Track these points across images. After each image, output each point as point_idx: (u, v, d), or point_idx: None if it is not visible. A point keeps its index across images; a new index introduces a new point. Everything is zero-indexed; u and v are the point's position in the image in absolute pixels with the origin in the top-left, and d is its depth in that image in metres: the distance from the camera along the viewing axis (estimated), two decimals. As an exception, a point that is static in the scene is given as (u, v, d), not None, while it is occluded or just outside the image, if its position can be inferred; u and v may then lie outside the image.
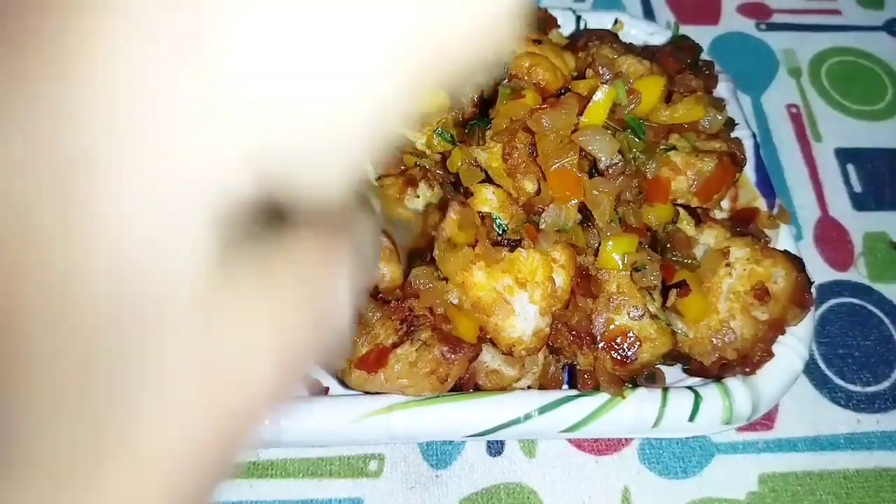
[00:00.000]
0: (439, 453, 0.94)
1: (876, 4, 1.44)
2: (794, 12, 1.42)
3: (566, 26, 1.14)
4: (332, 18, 0.30)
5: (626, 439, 0.96)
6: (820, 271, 1.10)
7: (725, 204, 1.04)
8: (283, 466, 0.92)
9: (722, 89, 1.10)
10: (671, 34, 1.17)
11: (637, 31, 1.17)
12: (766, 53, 1.36)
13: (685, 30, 1.19)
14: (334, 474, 0.92)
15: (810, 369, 1.03)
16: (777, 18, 1.41)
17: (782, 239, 0.99)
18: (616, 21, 1.16)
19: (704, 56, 1.11)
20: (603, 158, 0.86)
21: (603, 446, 0.95)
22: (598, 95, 0.87)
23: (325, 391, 0.95)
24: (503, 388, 0.89)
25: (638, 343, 0.87)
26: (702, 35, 1.14)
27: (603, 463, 0.94)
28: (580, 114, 0.87)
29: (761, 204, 1.02)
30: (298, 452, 0.93)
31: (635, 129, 0.91)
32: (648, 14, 1.38)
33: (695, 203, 0.96)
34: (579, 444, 0.95)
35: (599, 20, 1.17)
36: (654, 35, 1.17)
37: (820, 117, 1.28)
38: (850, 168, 1.22)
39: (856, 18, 1.42)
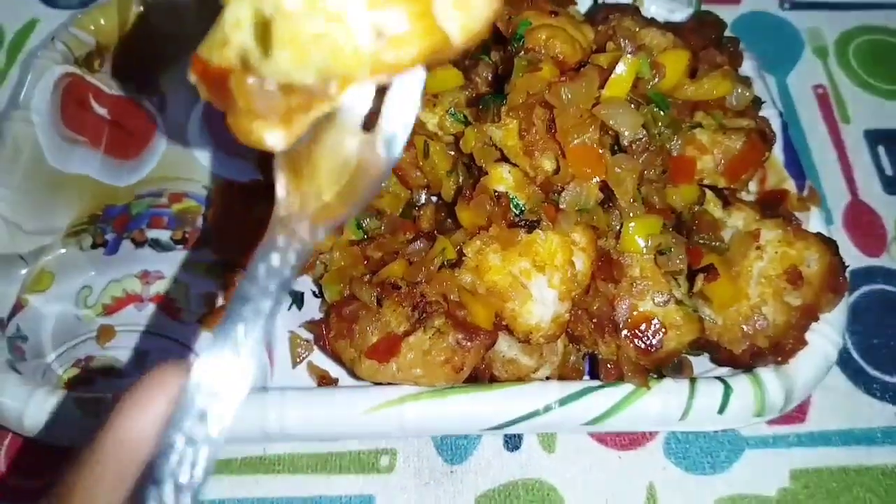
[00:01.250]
0: (454, 447, 0.89)
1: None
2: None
3: (583, 2, 1.10)
4: None
5: (650, 433, 0.91)
6: (851, 257, 1.05)
7: (753, 186, 0.99)
8: (290, 461, 0.88)
9: (747, 68, 1.05)
10: (693, 11, 1.12)
11: (657, 8, 1.11)
12: (791, 33, 1.31)
13: (706, 7, 1.14)
14: (344, 470, 0.88)
15: (843, 359, 0.98)
16: (801, -3, 1.36)
17: (813, 222, 0.94)
18: (636, -4, 1.12)
19: (727, 34, 1.06)
20: (626, 133, 0.82)
21: (626, 440, 0.91)
22: (621, 67, 0.83)
23: (334, 382, 0.91)
24: (520, 379, 0.85)
25: (663, 330, 0.82)
26: (723, 14, 1.09)
27: (626, 458, 0.90)
28: (601, 87, 0.83)
29: (790, 186, 0.97)
30: (306, 447, 0.89)
31: (659, 104, 0.86)
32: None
33: (722, 183, 0.91)
34: (601, 439, 0.90)
35: (618, -6, 1.12)
36: (675, 12, 1.12)
37: (848, 98, 1.23)
38: (881, 150, 1.17)
39: (882, -4, 1.37)
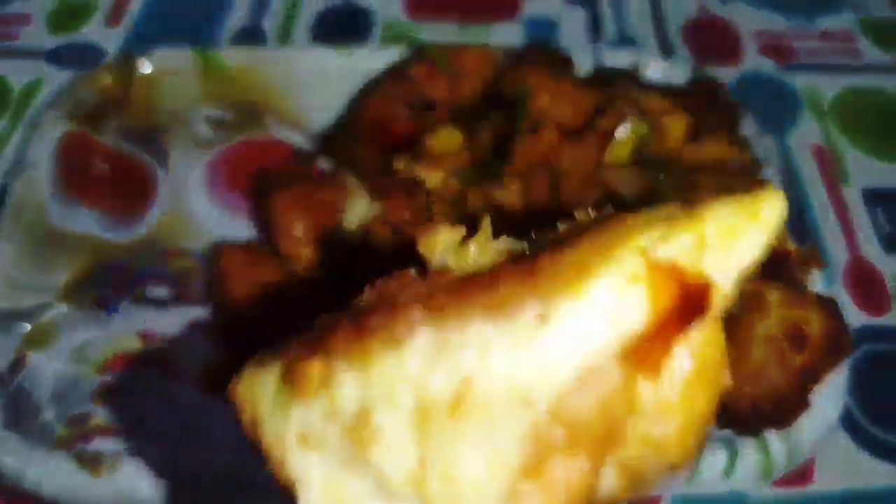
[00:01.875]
0: None
1: (894, 46, 1.41)
2: (815, 53, 1.39)
3: (583, 64, 1.11)
4: None
5: (656, 496, 0.90)
6: (853, 316, 1.05)
7: (753, 246, 0.99)
8: None
9: (746, 129, 1.06)
10: (692, 73, 1.14)
11: (657, 70, 1.13)
12: (790, 93, 1.33)
13: (705, 70, 1.16)
14: None
15: (847, 420, 0.97)
16: (798, 59, 1.38)
17: (815, 282, 0.95)
18: (635, 60, 1.13)
19: (726, 96, 1.08)
20: (628, 196, 0.82)
21: (633, 503, 0.89)
22: (622, 132, 0.84)
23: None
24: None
25: (668, 392, 0.82)
26: (722, 74, 1.12)
27: (632, 521, 0.89)
28: (603, 151, 0.84)
29: (791, 245, 0.97)
30: None
31: (659, 167, 0.87)
32: (666, 53, 1.36)
33: (723, 245, 0.92)
34: (605, 501, 0.89)
35: (617, 59, 1.15)
36: (675, 74, 1.13)
37: (846, 158, 1.24)
38: (879, 210, 1.18)
39: (877, 59, 1.39)
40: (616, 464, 0.34)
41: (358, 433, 0.33)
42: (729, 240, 0.34)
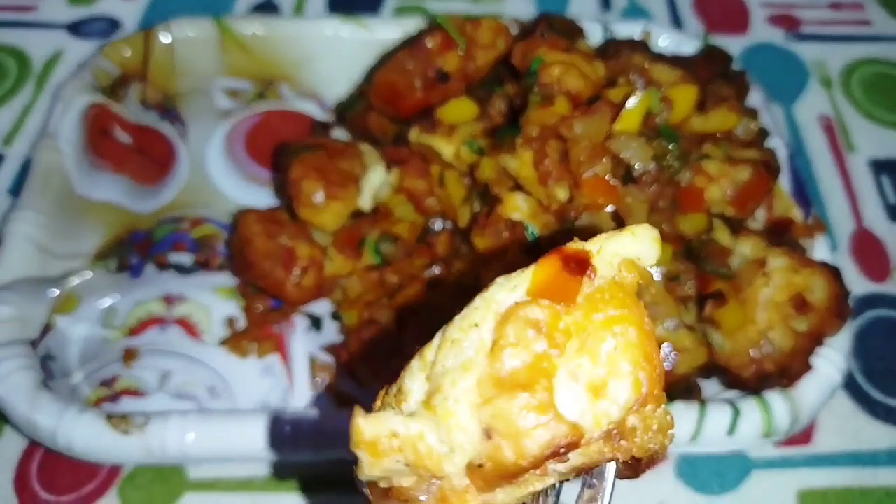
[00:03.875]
0: (469, 468, 0.92)
1: (906, 14, 1.42)
2: (823, 23, 1.40)
3: (593, 36, 1.13)
4: None
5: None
6: (856, 283, 1.07)
7: (760, 214, 1.01)
8: (312, 479, 0.91)
9: (753, 99, 1.08)
10: (701, 44, 1.15)
11: (666, 41, 1.15)
12: (797, 64, 1.34)
13: (713, 39, 1.17)
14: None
15: (848, 383, 1.00)
16: (806, 29, 1.39)
17: (818, 249, 0.97)
18: (645, 30, 1.15)
19: (735, 66, 1.09)
20: (637, 165, 0.84)
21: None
22: (632, 102, 0.86)
23: (354, 404, 0.94)
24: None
25: (674, 355, 0.85)
26: (731, 45, 1.13)
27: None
28: (613, 121, 0.86)
29: (796, 214, 1.00)
30: (328, 465, 0.91)
31: (669, 136, 0.89)
32: (676, 24, 1.37)
33: (729, 213, 0.94)
34: (613, 459, 0.93)
35: (627, 30, 1.16)
36: (684, 45, 1.15)
37: (853, 128, 1.26)
38: (885, 179, 1.20)
39: (886, 28, 1.40)
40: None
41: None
42: (605, 241, 0.49)
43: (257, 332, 0.99)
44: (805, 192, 1.02)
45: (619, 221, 0.86)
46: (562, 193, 0.87)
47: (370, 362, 0.89)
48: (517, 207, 0.88)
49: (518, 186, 0.90)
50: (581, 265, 0.47)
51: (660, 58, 1.00)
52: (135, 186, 1.11)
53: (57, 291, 0.98)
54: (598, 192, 0.85)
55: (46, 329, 0.95)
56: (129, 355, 0.98)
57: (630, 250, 0.49)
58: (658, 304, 0.86)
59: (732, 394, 0.91)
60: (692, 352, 0.86)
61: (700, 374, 0.89)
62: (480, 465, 0.45)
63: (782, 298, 0.88)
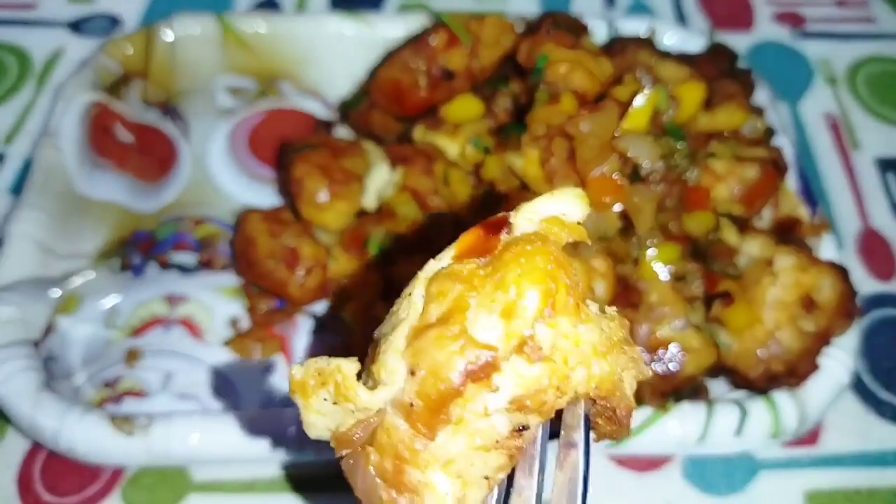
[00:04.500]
0: (475, 469, 0.91)
1: (910, 12, 1.41)
2: (828, 21, 1.39)
3: (598, 34, 1.12)
4: None
5: (668, 455, 0.93)
6: (863, 282, 1.07)
7: (766, 213, 1.01)
8: (316, 481, 0.90)
9: (760, 97, 1.08)
10: (706, 41, 1.14)
11: (672, 38, 1.14)
12: (802, 62, 1.33)
13: (718, 37, 1.17)
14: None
15: (856, 383, 0.99)
16: (812, 27, 1.38)
17: (825, 249, 0.97)
18: (650, 28, 1.14)
19: (740, 63, 1.09)
20: (645, 164, 0.84)
21: (644, 462, 0.92)
22: (639, 100, 0.85)
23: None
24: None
25: (681, 355, 0.85)
26: (736, 42, 1.12)
27: (645, 479, 0.91)
28: (620, 119, 0.85)
29: (803, 213, 0.99)
30: (332, 466, 0.91)
31: (676, 135, 0.88)
32: (681, 21, 1.36)
33: (736, 211, 0.93)
34: (620, 460, 0.92)
35: (632, 27, 1.15)
36: (689, 42, 1.14)
37: (858, 126, 1.25)
38: (891, 177, 1.19)
39: (891, 26, 1.39)
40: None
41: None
42: (524, 205, 0.52)
43: (261, 333, 0.98)
44: (811, 190, 1.02)
45: (627, 221, 0.85)
46: (568, 192, 0.86)
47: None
48: (523, 207, 0.88)
49: (524, 185, 0.90)
50: (499, 227, 0.51)
51: (666, 55, 0.99)
52: (137, 185, 1.11)
53: (59, 292, 0.97)
54: (605, 191, 0.84)
55: (49, 330, 0.95)
56: (132, 356, 0.97)
57: (550, 209, 0.52)
58: (665, 305, 0.85)
59: (740, 394, 0.91)
60: (700, 352, 0.85)
61: (707, 374, 0.89)
62: (411, 405, 0.48)
63: (790, 298, 0.87)
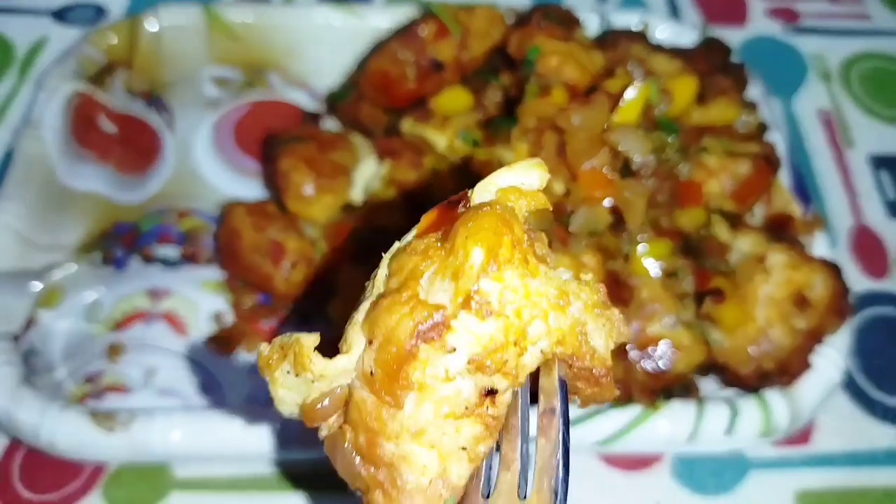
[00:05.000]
0: (462, 467, 0.90)
1: (905, 9, 1.41)
2: (822, 16, 1.38)
3: (590, 26, 1.11)
4: None
5: (658, 454, 0.92)
6: (855, 280, 1.06)
7: (758, 209, 1.00)
8: (300, 479, 0.89)
9: (753, 92, 1.06)
10: (700, 35, 1.13)
11: (664, 32, 1.13)
12: (796, 57, 1.32)
13: (712, 31, 1.16)
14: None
15: (847, 381, 0.99)
16: (805, 22, 1.37)
17: (817, 245, 0.96)
18: (643, 21, 1.13)
19: (733, 58, 1.08)
20: (636, 158, 0.83)
21: (634, 461, 0.91)
22: (631, 94, 0.84)
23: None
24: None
25: (672, 352, 0.83)
26: (729, 37, 1.11)
27: (635, 478, 0.90)
28: (611, 112, 0.84)
29: (795, 209, 0.98)
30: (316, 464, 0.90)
31: (668, 129, 0.87)
32: (674, 14, 1.35)
33: (728, 207, 0.92)
34: (609, 460, 0.91)
35: (624, 20, 1.14)
36: (682, 36, 1.13)
37: (852, 123, 1.24)
38: (884, 175, 1.18)
39: (885, 23, 1.38)
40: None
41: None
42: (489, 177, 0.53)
43: (245, 328, 0.96)
44: (804, 186, 1.01)
45: (618, 215, 0.84)
46: (558, 187, 0.85)
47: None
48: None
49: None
50: (458, 201, 0.53)
51: (659, 49, 0.98)
52: (120, 177, 1.09)
53: (40, 285, 0.96)
54: (595, 185, 0.83)
55: (29, 323, 0.93)
56: (114, 351, 0.95)
57: (509, 180, 0.53)
58: (656, 301, 0.84)
59: (731, 392, 0.90)
60: (690, 349, 0.84)
61: (698, 371, 0.88)
62: (372, 373, 0.50)
63: (782, 295, 0.86)
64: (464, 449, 0.50)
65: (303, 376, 0.51)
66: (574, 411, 0.81)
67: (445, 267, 0.50)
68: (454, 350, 0.49)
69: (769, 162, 0.92)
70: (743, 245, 0.90)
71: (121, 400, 0.92)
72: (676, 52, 0.99)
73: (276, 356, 0.53)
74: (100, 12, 1.29)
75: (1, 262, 0.92)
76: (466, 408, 0.50)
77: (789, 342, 0.86)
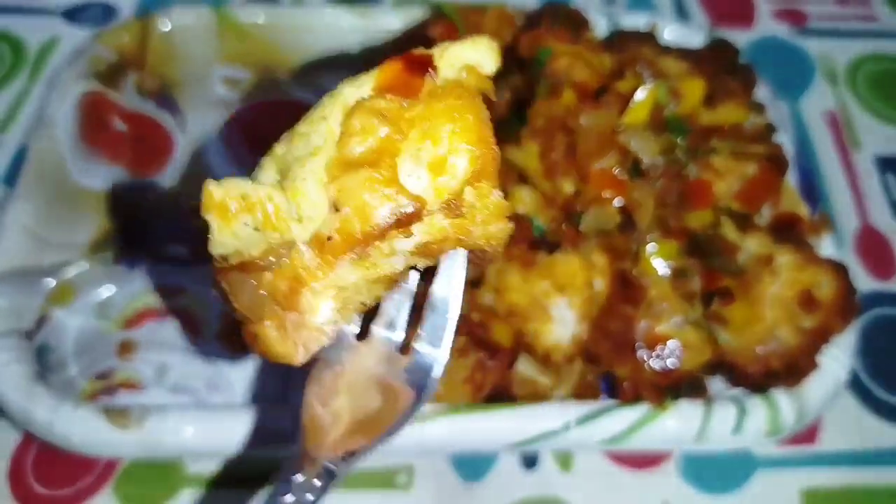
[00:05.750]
0: (471, 465, 0.91)
1: (912, 10, 1.41)
2: (829, 18, 1.39)
3: (599, 28, 1.12)
4: None
5: (665, 452, 0.92)
6: (862, 281, 1.07)
7: (766, 210, 1.00)
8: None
9: (760, 93, 1.07)
10: (707, 37, 1.14)
11: (673, 34, 1.14)
12: (803, 58, 1.33)
13: (719, 33, 1.16)
14: (362, 486, 0.89)
15: (854, 381, 0.99)
16: (813, 24, 1.38)
17: (825, 246, 0.96)
18: (651, 23, 1.14)
19: (741, 60, 1.08)
20: (645, 159, 0.84)
21: (641, 460, 0.92)
22: (640, 95, 0.85)
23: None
24: (538, 398, 0.86)
25: (680, 351, 0.84)
26: (736, 39, 1.12)
27: (642, 477, 0.91)
28: (621, 113, 0.85)
29: (803, 210, 0.99)
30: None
31: (677, 130, 0.88)
32: (682, 17, 1.36)
33: (736, 208, 0.93)
34: (617, 458, 0.92)
35: (633, 22, 1.15)
36: (690, 37, 1.14)
37: (859, 124, 1.25)
38: (890, 176, 1.19)
39: (893, 24, 1.39)
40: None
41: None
42: (447, 47, 0.55)
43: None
44: (812, 188, 1.01)
45: (627, 216, 0.85)
46: (568, 187, 0.86)
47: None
48: (522, 201, 0.87)
49: (523, 179, 0.89)
50: (423, 66, 0.53)
51: (667, 50, 0.99)
52: (131, 175, 1.09)
53: (52, 282, 0.96)
54: (605, 186, 0.84)
55: (42, 320, 0.94)
56: (126, 348, 0.96)
57: (470, 56, 0.55)
58: (664, 301, 0.85)
59: (738, 391, 0.90)
60: (698, 348, 0.85)
61: (706, 370, 0.88)
62: (329, 238, 0.51)
63: (789, 295, 0.87)
64: (363, 304, 0.55)
65: (267, 234, 0.52)
66: (582, 410, 0.82)
67: (420, 150, 0.52)
68: (412, 235, 0.52)
69: (777, 163, 0.93)
70: (751, 245, 0.91)
71: (133, 397, 0.93)
72: (685, 54, 0.99)
73: (236, 206, 0.53)
74: (110, 12, 1.30)
75: (13, 259, 0.93)
76: (389, 276, 0.55)
77: (796, 342, 0.87)
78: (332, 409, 0.58)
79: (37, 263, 0.95)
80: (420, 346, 0.58)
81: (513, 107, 0.96)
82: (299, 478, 0.57)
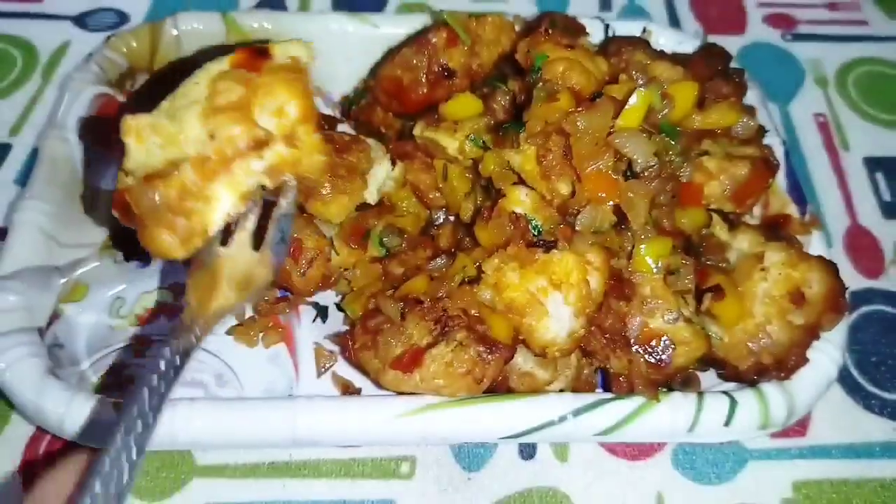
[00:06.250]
0: (471, 455, 0.94)
1: (899, 15, 1.44)
2: (820, 23, 1.42)
3: (594, 34, 1.15)
4: None
5: (659, 444, 0.95)
6: (851, 279, 1.09)
7: (757, 210, 1.04)
8: (315, 466, 0.92)
9: (751, 97, 1.10)
10: (699, 42, 1.17)
11: (666, 39, 1.17)
12: (793, 63, 1.36)
13: (711, 39, 1.19)
14: (366, 475, 0.92)
15: (843, 376, 1.02)
16: (803, 29, 1.41)
17: (814, 245, 0.99)
18: (645, 29, 1.17)
19: (733, 64, 1.11)
20: (639, 160, 0.86)
21: (636, 451, 0.95)
22: (634, 99, 0.87)
23: (358, 392, 0.95)
24: (536, 391, 0.89)
25: (673, 346, 0.87)
26: (728, 44, 1.15)
27: (636, 468, 0.94)
28: (615, 117, 0.87)
29: (793, 210, 1.02)
30: (330, 452, 0.93)
31: (670, 133, 0.90)
32: (674, 23, 1.39)
33: (728, 208, 0.96)
34: (612, 449, 0.95)
35: (627, 29, 1.18)
36: (683, 43, 1.17)
37: (847, 126, 1.28)
38: (879, 176, 1.22)
39: (883, 29, 1.42)
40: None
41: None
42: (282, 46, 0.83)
43: (264, 322, 1.00)
44: (801, 188, 1.04)
45: (621, 215, 0.87)
46: (564, 188, 0.89)
47: (374, 351, 0.90)
48: (519, 202, 0.90)
49: (521, 181, 0.92)
50: (264, 53, 0.81)
51: (660, 55, 1.01)
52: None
53: (65, 280, 0.99)
54: (600, 187, 0.86)
55: (54, 317, 0.97)
56: (137, 344, 0.99)
57: (293, 50, 0.83)
58: (657, 297, 0.88)
59: (730, 385, 0.93)
60: (690, 344, 0.87)
61: (698, 365, 0.91)
62: (209, 158, 0.77)
63: (780, 292, 0.90)
64: (229, 214, 0.80)
65: (168, 150, 0.77)
66: (579, 401, 0.85)
67: (265, 102, 0.79)
68: (263, 158, 0.79)
69: (767, 164, 0.96)
70: (741, 244, 0.94)
71: (144, 391, 0.95)
72: (677, 59, 1.02)
73: (147, 132, 0.78)
74: (121, 17, 1.33)
75: (27, 258, 0.95)
76: (246, 195, 0.80)
77: (787, 337, 0.89)
78: (206, 291, 0.80)
79: (49, 262, 0.97)
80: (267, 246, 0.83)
81: (511, 111, 0.99)
82: (180, 341, 0.75)
